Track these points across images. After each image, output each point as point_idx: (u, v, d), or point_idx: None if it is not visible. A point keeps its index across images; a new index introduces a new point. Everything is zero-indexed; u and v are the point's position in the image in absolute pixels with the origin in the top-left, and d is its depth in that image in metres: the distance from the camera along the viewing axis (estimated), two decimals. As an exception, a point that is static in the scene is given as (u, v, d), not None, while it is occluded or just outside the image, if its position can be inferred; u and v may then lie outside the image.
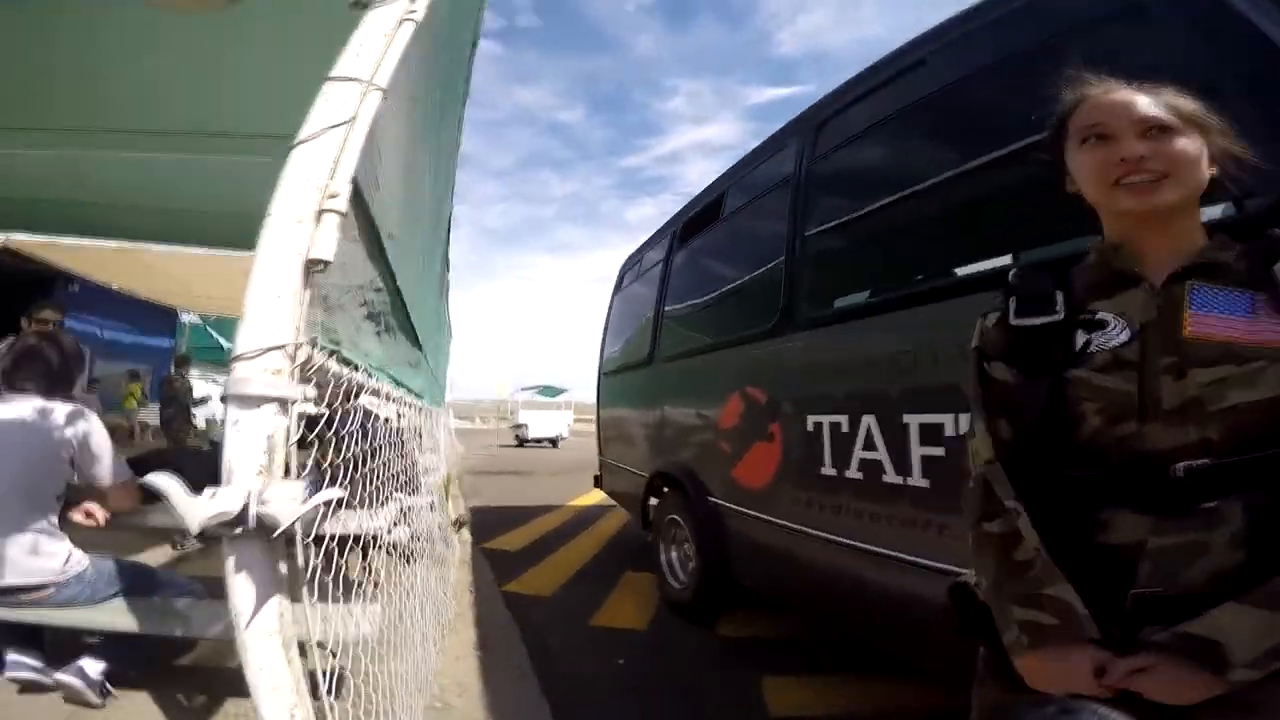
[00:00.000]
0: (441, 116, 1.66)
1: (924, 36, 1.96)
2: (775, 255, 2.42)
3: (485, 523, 5.43)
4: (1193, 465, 0.69)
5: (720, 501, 2.72)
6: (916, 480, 1.66)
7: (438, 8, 1.03)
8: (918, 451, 1.66)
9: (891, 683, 2.30)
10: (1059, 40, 1.47)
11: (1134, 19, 1.38)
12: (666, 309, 3.59)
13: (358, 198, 0.88)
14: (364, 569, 1.62)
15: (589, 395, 5.14)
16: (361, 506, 1.37)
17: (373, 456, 1.53)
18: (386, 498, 1.67)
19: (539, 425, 20.29)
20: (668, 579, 3.30)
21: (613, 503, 4.98)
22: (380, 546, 1.64)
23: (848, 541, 1.91)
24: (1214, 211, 1.10)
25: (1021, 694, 0.73)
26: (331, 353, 0.91)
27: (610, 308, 4.90)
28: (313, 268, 0.77)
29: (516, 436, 20.56)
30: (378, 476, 1.57)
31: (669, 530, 3.32)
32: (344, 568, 1.15)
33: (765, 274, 2.54)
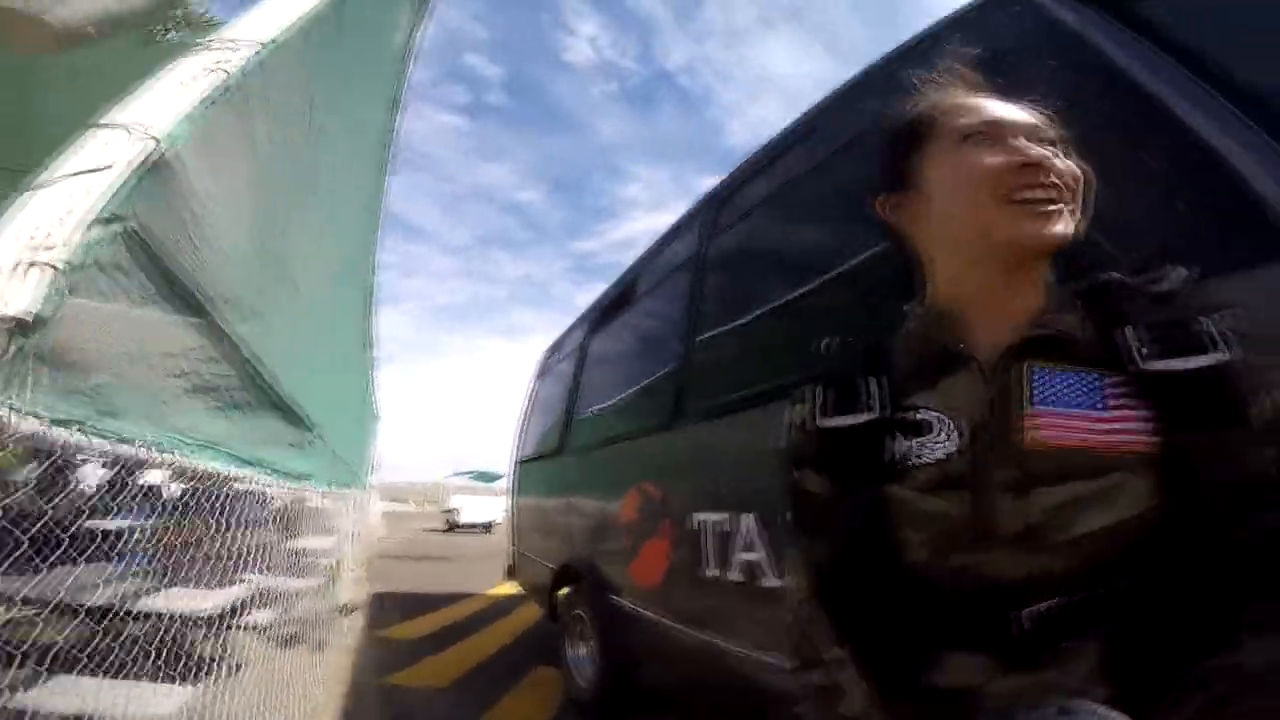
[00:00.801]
0: (339, 181, 1.59)
1: (811, 111, 1.98)
2: (673, 343, 2.45)
3: (390, 609, 5.10)
4: (1038, 611, 0.54)
5: (620, 599, 2.65)
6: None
7: (283, 68, 0.99)
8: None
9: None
10: None
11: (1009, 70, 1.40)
12: (579, 397, 3.60)
13: (145, 253, 0.83)
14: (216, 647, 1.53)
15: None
16: (189, 584, 1.32)
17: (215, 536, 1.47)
18: (231, 577, 1.60)
19: (471, 510, 19.54)
20: (573, 676, 3.13)
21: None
22: (229, 626, 1.55)
23: (741, 651, 1.83)
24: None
25: None
26: (79, 424, 0.82)
27: (531, 393, 4.88)
28: (8, 324, 0.69)
29: (447, 521, 19.68)
30: (214, 556, 1.51)
31: (575, 625, 3.19)
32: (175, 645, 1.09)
33: (664, 363, 2.55)
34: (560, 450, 3.67)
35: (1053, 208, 0.58)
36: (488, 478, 22.24)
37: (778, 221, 2.11)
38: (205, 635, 1.57)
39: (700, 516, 2.06)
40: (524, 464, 4.66)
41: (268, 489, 2.07)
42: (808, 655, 0.68)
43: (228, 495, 1.66)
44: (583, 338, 3.76)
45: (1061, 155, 0.60)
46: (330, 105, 1.37)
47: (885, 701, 0.62)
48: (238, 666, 1.79)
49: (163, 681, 1.31)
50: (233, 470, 1.59)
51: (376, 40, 1.77)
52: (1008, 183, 0.58)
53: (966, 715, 0.56)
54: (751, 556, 1.82)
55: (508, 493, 5.06)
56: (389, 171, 2.10)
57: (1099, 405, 0.55)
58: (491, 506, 20.09)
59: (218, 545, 1.49)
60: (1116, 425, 0.54)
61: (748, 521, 1.85)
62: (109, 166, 0.76)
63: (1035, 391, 0.57)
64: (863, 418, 0.64)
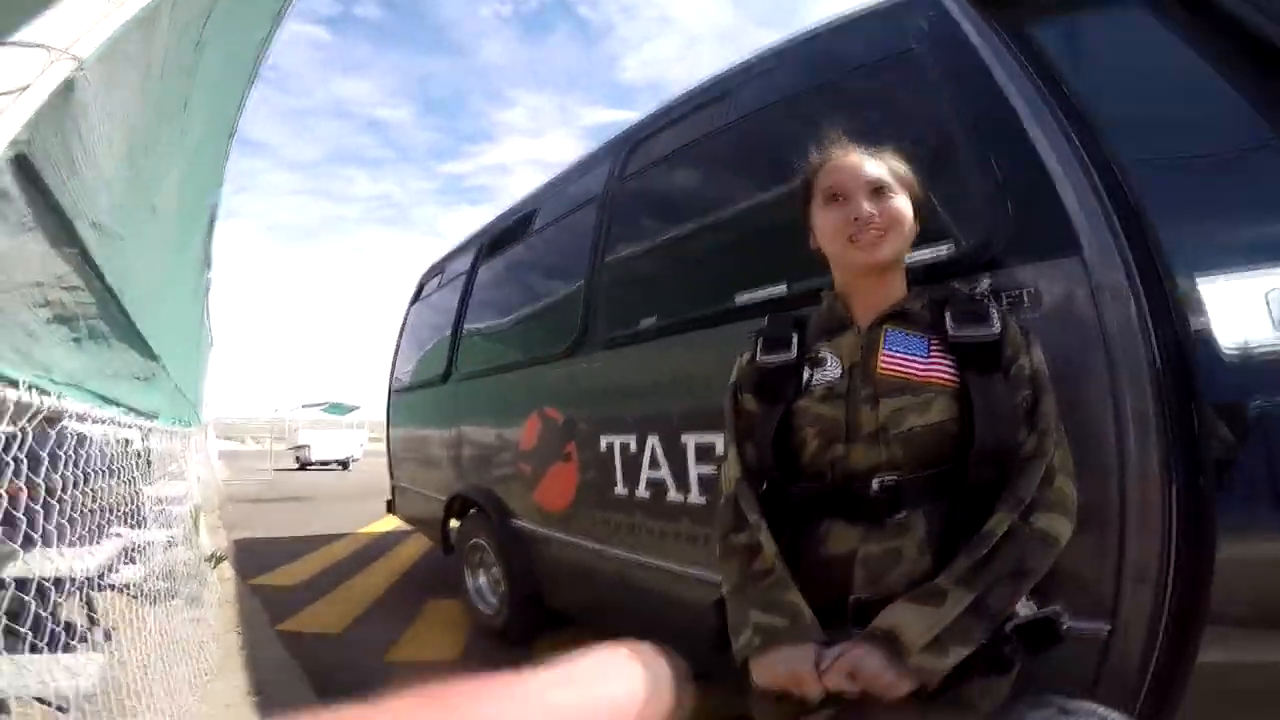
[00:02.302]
0: (206, 96, 1.43)
1: (728, 72, 2.07)
2: (577, 275, 2.45)
3: (257, 557, 4.81)
4: (884, 481, 0.84)
5: (524, 524, 2.71)
6: (695, 498, 1.80)
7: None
8: (695, 470, 1.79)
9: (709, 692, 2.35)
10: (835, 85, 1.66)
11: (899, 68, 1.51)
12: (467, 324, 3.46)
13: (30, 178, 0.74)
14: (86, 613, 1.38)
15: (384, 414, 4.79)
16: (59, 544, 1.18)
17: (73, 486, 1.30)
18: (100, 533, 1.43)
19: (325, 446, 18.37)
20: (477, 605, 3.16)
21: (410, 528, 4.67)
22: (105, 588, 1.40)
23: (643, 559, 1.98)
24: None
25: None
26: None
27: (405, 320, 4.59)
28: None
29: (297, 459, 18.42)
30: (83, 509, 1.35)
31: (473, 555, 3.19)
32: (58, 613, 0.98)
33: (567, 293, 2.56)
34: (447, 377, 3.55)
35: (876, 241, 0.88)
36: (341, 409, 20.87)
37: (686, 170, 2.19)
38: (73, 598, 1.40)
39: (608, 439, 2.13)
40: (400, 393, 4.45)
41: (128, 429, 1.83)
42: (735, 522, 0.94)
43: (82, 438, 1.46)
44: (471, 263, 3.57)
45: (893, 194, 0.90)
46: (220, 19, 1.19)
47: (787, 559, 0.87)
48: (112, 630, 1.63)
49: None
50: (93, 410, 1.39)
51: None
52: (845, 232, 0.90)
53: (846, 579, 0.84)
54: (658, 474, 1.93)
55: (371, 425, 4.80)
56: (252, 83, 1.84)
57: (922, 353, 0.88)
58: (347, 441, 19.08)
59: (80, 497, 1.31)
60: (933, 366, 0.87)
61: (653, 441, 1.95)
62: (25, 88, 0.66)
63: (887, 342, 0.90)
64: (787, 356, 0.96)
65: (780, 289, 1.65)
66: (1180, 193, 1.17)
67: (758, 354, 0.99)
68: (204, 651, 2.34)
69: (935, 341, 0.89)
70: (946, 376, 0.85)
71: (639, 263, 2.25)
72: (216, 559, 4.15)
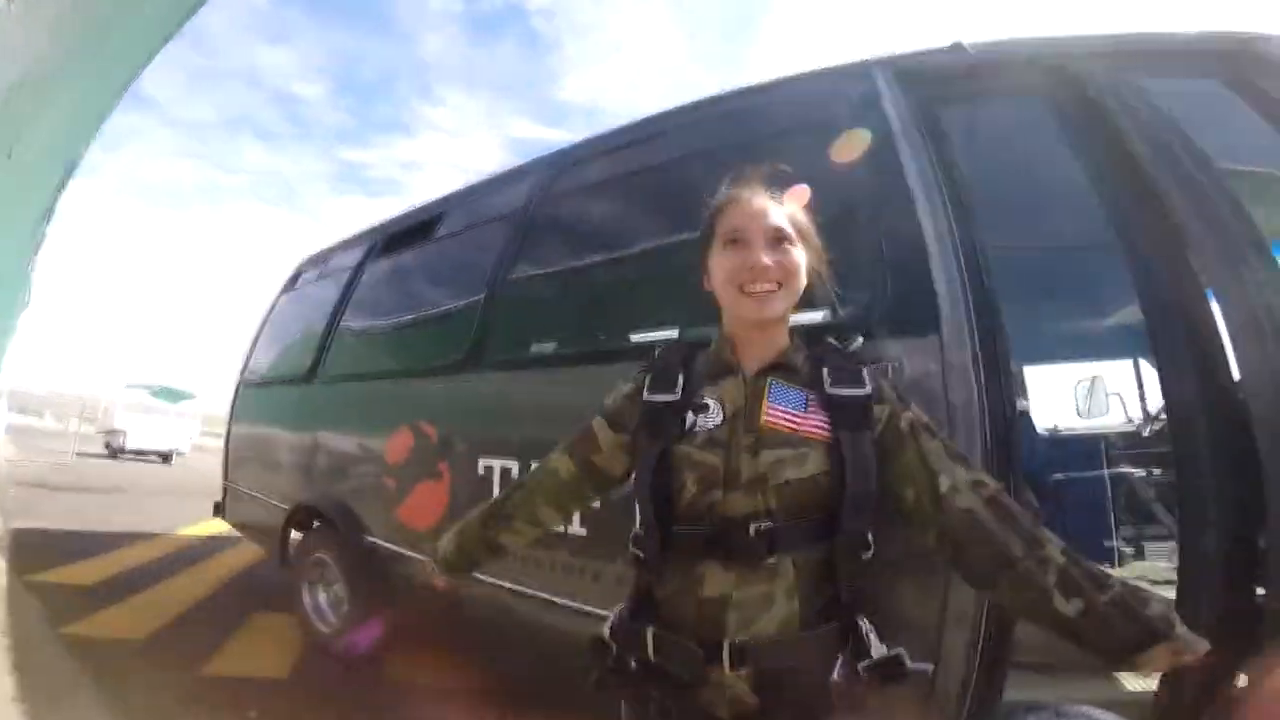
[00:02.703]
0: (111, 45, 1.25)
1: (664, 113, 2.14)
2: (477, 289, 2.38)
3: (40, 551, 4.12)
4: (759, 526, 0.85)
5: (379, 541, 2.53)
6: (575, 529, 1.78)
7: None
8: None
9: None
10: (758, 142, 1.73)
11: (823, 132, 1.58)
12: (344, 322, 3.22)
13: None
14: None
15: (224, 407, 4.32)
16: None
17: None
18: None
19: (145, 433, 16.10)
20: (314, 622, 2.89)
21: (238, 535, 4.18)
22: None
23: (515, 588, 1.94)
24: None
25: None
26: None
27: (273, 308, 4.20)
28: None
29: (107, 444, 16.05)
30: None
31: (314, 570, 2.94)
32: None
33: (463, 306, 2.47)
34: (311, 377, 3.28)
35: (768, 295, 0.90)
36: (173, 395, 18.49)
37: (608, 202, 2.20)
38: None
39: (487, 461, 2.08)
40: (252, 387, 4.05)
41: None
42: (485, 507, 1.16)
43: None
44: (361, 258, 3.35)
45: (793, 245, 0.92)
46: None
47: (670, 604, 0.91)
48: None
49: None
50: None
51: None
52: (739, 279, 0.91)
53: (721, 616, 0.86)
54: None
55: (206, 419, 4.32)
56: (167, 40, 1.65)
57: (801, 408, 0.91)
58: (174, 431, 16.94)
59: None
60: (810, 420, 0.89)
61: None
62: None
63: (771, 393, 0.92)
64: (671, 397, 0.95)
65: (674, 333, 1.70)
66: (1025, 281, 1.34)
67: (645, 391, 0.99)
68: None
69: (812, 396, 0.92)
70: (822, 431, 0.89)
71: (544, 286, 2.22)
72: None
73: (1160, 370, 1.34)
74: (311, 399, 3.25)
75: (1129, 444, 3.03)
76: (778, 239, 0.91)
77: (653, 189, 2.05)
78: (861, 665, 0.86)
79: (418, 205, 3.21)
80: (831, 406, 0.90)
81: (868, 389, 0.92)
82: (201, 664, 2.61)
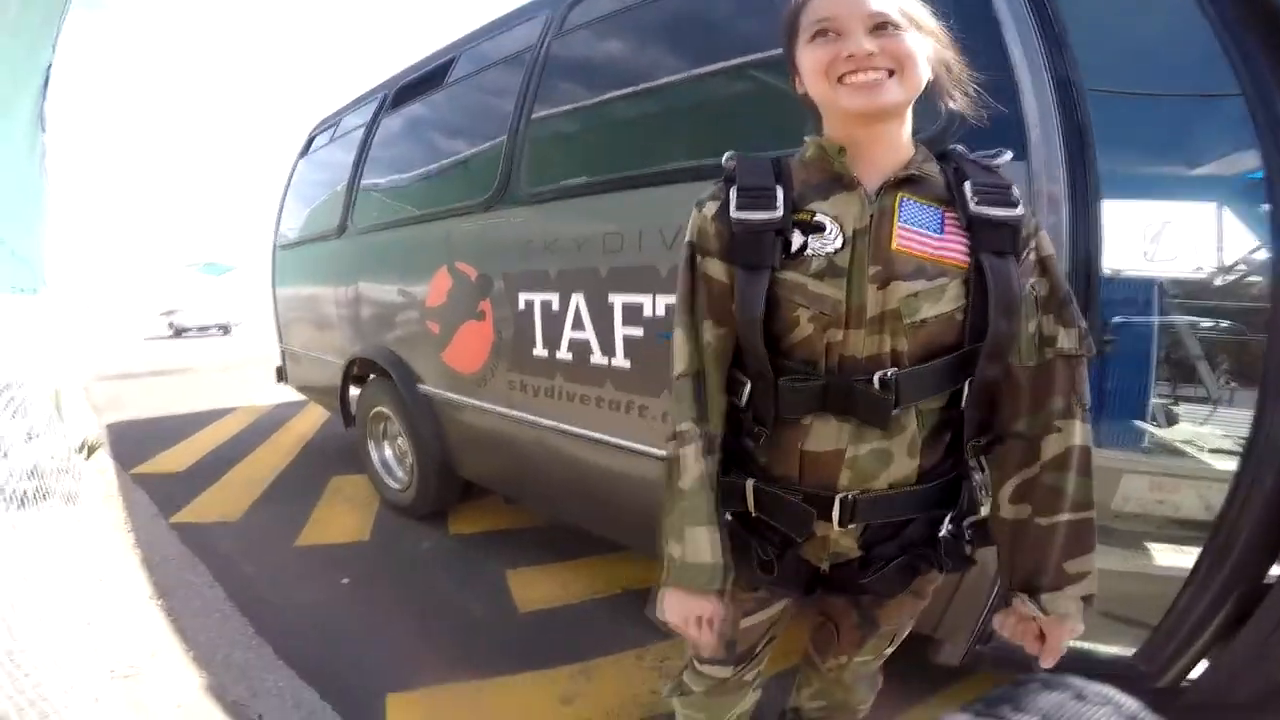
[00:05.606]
0: None
1: None
2: (499, 128, 2.20)
3: (135, 442, 4.37)
4: (885, 375, 0.72)
5: (431, 389, 2.56)
6: (619, 361, 1.72)
7: None
8: (621, 332, 1.71)
9: (633, 561, 2.36)
10: None
11: None
12: (366, 177, 3.07)
13: None
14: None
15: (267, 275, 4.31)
16: None
17: None
18: None
19: (202, 309, 16.81)
20: (384, 479, 3.07)
21: (304, 398, 4.38)
22: None
23: (564, 426, 1.93)
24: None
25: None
26: None
27: (292, 174, 4.05)
28: None
29: (170, 324, 16.81)
30: None
31: (377, 425, 3.05)
32: None
33: (486, 146, 2.31)
34: (342, 231, 3.17)
35: (874, 84, 0.70)
36: (217, 270, 18.94)
37: (629, 32, 1.96)
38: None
39: (527, 296, 1.99)
40: (288, 249, 3.99)
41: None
42: (669, 429, 0.83)
43: None
44: (375, 113, 3.12)
45: (899, 36, 0.70)
46: None
47: (770, 454, 0.82)
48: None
49: None
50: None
51: None
52: (835, 70, 0.71)
53: (831, 470, 0.77)
54: (581, 335, 1.84)
55: (254, 285, 4.34)
56: None
57: (938, 229, 0.75)
58: (228, 304, 17.54)
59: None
60: (949, 244, 0.74)
61: (578, 300, 1.84)
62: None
63: (903, 212, 0.74)
64: (772, 214, 0.75)
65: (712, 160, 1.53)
66: (1113, 128, 1.26)
67: (731, 207, 0.77)
68: (87, 559, 2.09)
69: (951, 215, 0.76)
70: (960, 257, 0.73)
71: (570, 120, 2.06)
72: (89, 448, 3.73)
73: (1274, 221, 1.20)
74: (346, 252, 3.18)
75: (1194, 293, 2.98)
76: (880, 25, 0.70)
77: (679, 18, 1.83)
78: (967, 522, 0.83)
79: (424, 57, 2.93)
80: (974, 228, 0.74)
81: (1020, 210, 0.75)
82: (294, 536, 2.79)
